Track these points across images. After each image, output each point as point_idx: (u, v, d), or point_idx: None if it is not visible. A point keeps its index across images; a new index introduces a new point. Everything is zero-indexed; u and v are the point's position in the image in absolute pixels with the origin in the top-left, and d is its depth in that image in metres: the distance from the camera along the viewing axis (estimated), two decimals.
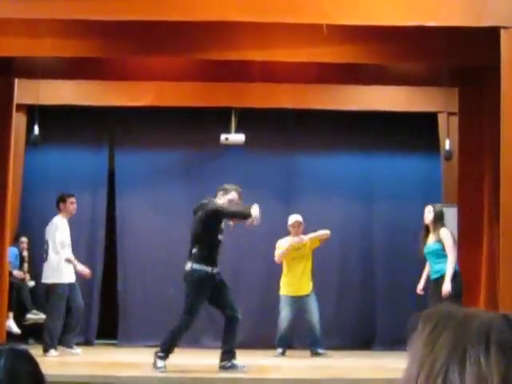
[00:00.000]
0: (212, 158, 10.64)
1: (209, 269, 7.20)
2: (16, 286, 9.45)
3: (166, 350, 7.14)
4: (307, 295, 9.30)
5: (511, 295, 6.55)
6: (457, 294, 7.72)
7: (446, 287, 7.71)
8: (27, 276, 9.97)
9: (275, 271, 9.60)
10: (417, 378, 0.99)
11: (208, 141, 10.43)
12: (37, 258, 9.93)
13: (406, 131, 10.61)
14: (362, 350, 10.16)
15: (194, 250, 7.25)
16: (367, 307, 10.66)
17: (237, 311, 7.32)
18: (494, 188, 7.52)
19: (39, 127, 8.70)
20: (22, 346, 1.62)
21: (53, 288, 8.73)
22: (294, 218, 9.43)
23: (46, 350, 8.46)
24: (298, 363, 8.58)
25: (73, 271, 8.87)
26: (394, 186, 10.61)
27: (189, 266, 7.24)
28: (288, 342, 9.49)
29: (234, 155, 10.45)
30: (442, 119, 10.01)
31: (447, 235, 7.95)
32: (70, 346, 8.75)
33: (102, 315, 10.52)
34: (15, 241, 9.90)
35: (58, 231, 8.80)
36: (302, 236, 9.38)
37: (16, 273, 9.64)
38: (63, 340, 8.73)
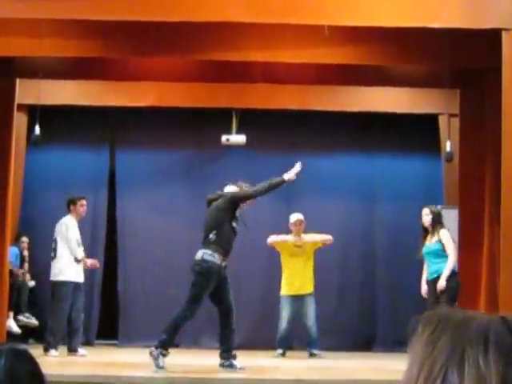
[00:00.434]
0: (213, 159, 10.64)
1: (218, 261, 7.18)
2: (17, 286, 9.45)
3: (166, 342, 7.05)
4: (307, 295, 9.30)
5: (511, 297, 6.55)
6: (453, 292, 7.76)
7: (441, 283, 7.76)
8: (27, 276, 9.97)
9: (276, 271, 9.60)
10: (417, 379, 1.00)
11: (209, 141, 10.43)
12: (37, 258, 9.93)
13: (407, 132, 10.62)
14: (363, 351, 10.16)
15: (211, 236, 7.22)
16: (368, 308, 10.67)
17: (232, 306, 7.31)
18: (494, 190, 7.53)
19: (40, 127, 8.71)
20: (22, 346, 1.61)
21: (59, 286, 8.70)
22: (295, 217, 9.44)
23: (46, 350, 8.44)
24: (297, 364, 8.57)
25: (82, 271, 8.86)
26: (395, 187, 10.63)
27: (199, 255, 7.19)
28: (288, 343, 9.50)
29: (235, 156, 10.45)
30: (443, 121, 10.00)
31: (448, 236, 7.98)
32: (76, 350, 8.70)
33: (103, 315, 10.53)
34: (16, 240, 9.90)
35: (71, 230, 8.78)
36: (302, 235, 9.40)
37: (16, 270, 9.63)
38: (70, 346, 8.69)
